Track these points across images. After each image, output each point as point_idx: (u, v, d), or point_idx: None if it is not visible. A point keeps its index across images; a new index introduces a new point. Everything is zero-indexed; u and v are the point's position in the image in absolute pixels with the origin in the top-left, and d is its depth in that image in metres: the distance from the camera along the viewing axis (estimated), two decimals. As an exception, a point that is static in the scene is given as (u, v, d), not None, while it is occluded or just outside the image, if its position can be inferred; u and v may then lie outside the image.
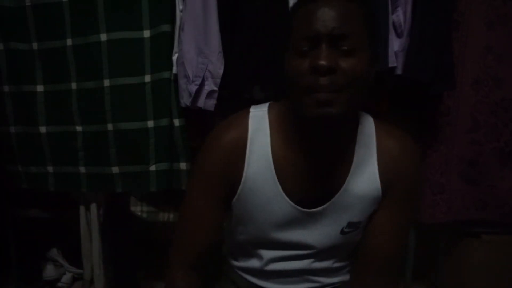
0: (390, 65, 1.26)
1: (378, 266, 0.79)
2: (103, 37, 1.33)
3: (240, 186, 0.76)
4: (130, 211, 1.52)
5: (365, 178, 0.75)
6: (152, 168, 1.38)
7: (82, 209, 1.55)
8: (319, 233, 0.78)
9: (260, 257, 0.85)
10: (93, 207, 1.53)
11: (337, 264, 0.86)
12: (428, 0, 1.22)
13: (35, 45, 1.39)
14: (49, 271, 1.71)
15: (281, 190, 0.75)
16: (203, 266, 0.84)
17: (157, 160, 1.37)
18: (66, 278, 1.72)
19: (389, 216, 0.77)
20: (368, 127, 0.76)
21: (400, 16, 1.26)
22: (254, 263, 0.87)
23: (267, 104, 0.80)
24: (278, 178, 0.74)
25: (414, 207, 0.80)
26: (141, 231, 1.81)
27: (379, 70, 1.26)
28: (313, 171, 0.75)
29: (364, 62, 0.65)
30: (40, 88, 1.42)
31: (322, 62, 0.62)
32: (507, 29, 1.34)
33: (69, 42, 1.36)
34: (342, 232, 0.78)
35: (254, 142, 0.75)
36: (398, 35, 1.28)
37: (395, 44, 1.27)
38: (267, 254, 0.84)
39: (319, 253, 0.82)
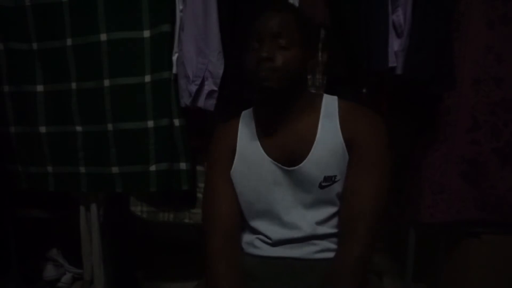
0: (390, 65, 1.26)
1: (354, 223, 0.88)
2: (103, 37, 1.33)
3: (236, 156, 0.98)
4: (130, 211, 1.52)
5: (330, 137, 0.92)
6: (152, 168, 1.38)
7: (82, 209, 1.55)
8: (302, 188, 0.94)
9: (264, 233, 0.97)
10: (93, 207, 1.53)
11: (336, 229, 0.94)
12: (428, 0, 1.22)
13: (35, 45, 1.39)
14: (49, 271, 1.71)
15: (265, 154, 0.96)
16: (235, 238, 0.98)
17: (157, 160, 1.37)
18: (66, 278, 1.73)
19: (358, 175, 0.90)
20: (332, 103, 0.97)
21: (400, 16, 1.26)
22: (258, 242, 0.98)
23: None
24: (261, 146, 0.96)
25: (382, 170, 0.90)
26: (141, 231, 1.81)
27: (379, 70, 1.27)
28: (288, 138, 0.94)
29: (297, 55, 0.89)
30: (40, 88, 1.43)
31: (264, 54, 0.87)
32: (507, 29, 1.34)
33: (69, 42, 1.36)
34: (320, 186, 0.92)
35: (243, 124, 1.02)
36: (398, 35, 1.28)
37: (395, 44, 1.28)
38: (268, 226, 0.96)
39: (309, 210, 0.94)
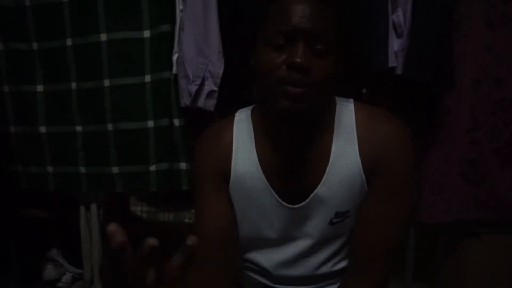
0: (390, 65, 1.26)
1: (367, 259, 0.75)
2: (103, 37, 1.33)
3: (230, 185, 0.79)
4: (130, 211, 1.52)
5: (345, 166, 0.74)
6: (152, 168, 1.38)
7: (82, 209, 1.56)
8: (309, 226, 0.79)
9: (263, 266, 0.86)
10: (93, 207, 1.53)
11: (338, 266, 0.85)
12: (428, 0, 1.22)
13: (35, 45, 1.39)
14: (49, 271, 1.71)
15: (269, 186, 0.77)
16: (232, 268, 0.82)
17: (157, 160, 1.37)
18: (66, 278, 1.73)
19: (377, 206, 0.74)
20: (347, 114, 0.76)
21: (400, 16, 1.26)
22: (261, 270, 0.87)
23: (251, 107, 0.84)
24: (265, 175, 0.77)
25: (406, 198, 0.74)
26: (141, 231, 1.81)
27: (379, 70, 1.27)
28: (296, 166, 0.76)
29: (336, 64, 0.68)
30: (40, 88, 1.42)
31: (299, 60, 0.63)
32: (507, 29, 1.34)
33: (69, 42, 1.36)
34: (331, 223, 0.77)
35: (240, 142, 0.78)
36: (398, 35, 1.28)
37: (395, 44, 1.27)
38: (268, 260, 0.84)
39: (315, 248, 0.81)
